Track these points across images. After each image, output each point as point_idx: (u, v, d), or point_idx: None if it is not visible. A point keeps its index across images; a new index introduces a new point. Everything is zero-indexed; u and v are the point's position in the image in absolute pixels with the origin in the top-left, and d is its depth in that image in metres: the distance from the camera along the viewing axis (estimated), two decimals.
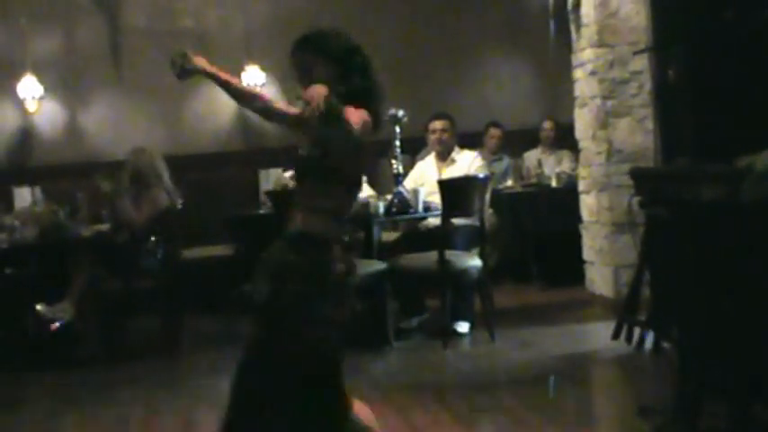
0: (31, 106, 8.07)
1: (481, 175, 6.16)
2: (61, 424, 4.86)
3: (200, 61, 3.38)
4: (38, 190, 7.16)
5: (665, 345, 5.03)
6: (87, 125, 8.20)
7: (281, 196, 6.47)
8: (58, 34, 8.20)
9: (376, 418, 4.37)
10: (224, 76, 3.37)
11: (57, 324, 5.92)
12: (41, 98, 8.07)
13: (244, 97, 3.44)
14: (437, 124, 6.52)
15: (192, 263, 6.92)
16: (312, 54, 3.31)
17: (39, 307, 5.93)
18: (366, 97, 3.18)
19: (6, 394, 5.59)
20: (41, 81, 8.00)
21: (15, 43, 7.97)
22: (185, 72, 3.37)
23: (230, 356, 6.04)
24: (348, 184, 3.18)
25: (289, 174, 6.24)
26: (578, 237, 6.99)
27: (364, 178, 4.32)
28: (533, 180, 8.14)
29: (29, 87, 8.00)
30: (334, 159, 3.08)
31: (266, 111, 3.44)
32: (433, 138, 6.55)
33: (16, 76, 7.96)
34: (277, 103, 3.43)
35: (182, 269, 6.48)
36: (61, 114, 8.16)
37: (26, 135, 8.06)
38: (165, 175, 6.42)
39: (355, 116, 3.04)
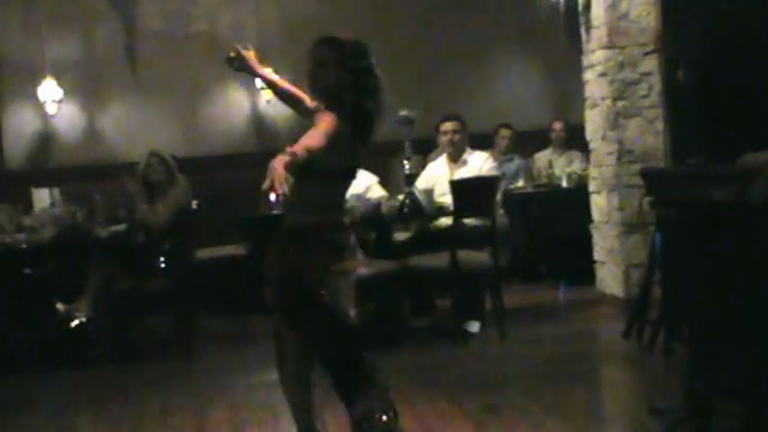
0: (51, 109, 8.15)
1: (492, 176, 6.20)
2: (77, 422, 4.91)
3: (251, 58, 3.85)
4: (56, 191, 7.23)
5: (676, 344, 5.05)
6: (105, 127, 8.29)
7: None
8: (77, 39, 8.29)
9: None
10: (269, 76, 3.85)
11: (75, 321, 6.00)
12: (61, 101, 8.16)
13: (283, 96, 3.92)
14: (448, 125, 6.55)
15: (206, 263, 6.97)
16: (333, 55, 3.46)
17: (56, 305, 6.01)
18: (364, 117, 3.38)
19: (23, 392, 5.66)
20: (61, 84, 8.08)
21: (36, 48, 8.06)
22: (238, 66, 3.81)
23: (243, 356, 6.19)
24: (334, 176, 3.41)
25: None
26: (589, 237, 7.03)
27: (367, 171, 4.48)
28: (544, 180, 8.17)
29: (49, 91, 8.08)
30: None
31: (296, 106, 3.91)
32: (444, 139, 6.58)
33: (37, 79, 8.05)
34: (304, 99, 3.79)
35: (196, 269, 6.54)
36: (80, 117, 8.25)
37: (46, 137, 8.15)
38: (179, 177, 6.49)
39: (322, 126, 3.30)
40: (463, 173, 6.39)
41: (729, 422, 3.77)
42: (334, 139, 3.26)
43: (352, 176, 3.55)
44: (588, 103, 6.93)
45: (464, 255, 5.90)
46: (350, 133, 3.35)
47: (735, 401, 3.81)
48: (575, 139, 7.94)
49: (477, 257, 5.99)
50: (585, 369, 5.28)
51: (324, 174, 3.36)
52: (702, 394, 3.85)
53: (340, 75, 3.40)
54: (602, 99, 6.64)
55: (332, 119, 3.32)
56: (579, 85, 7.07)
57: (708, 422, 3.78)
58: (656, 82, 6.47)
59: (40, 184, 7.31)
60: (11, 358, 6.15)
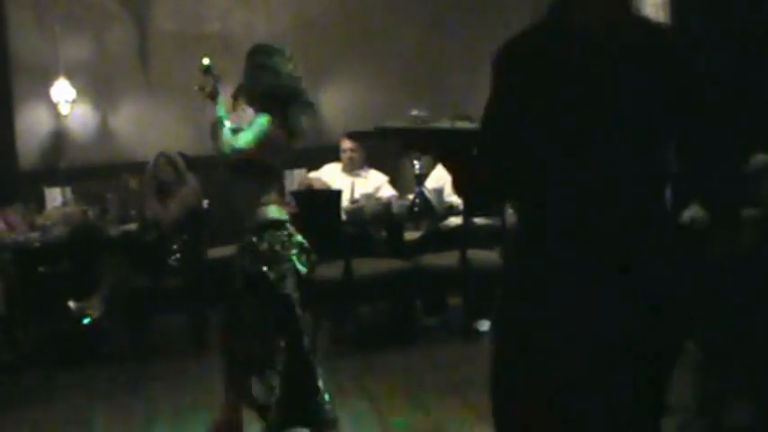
0: (64, 109, 8.20)
1: None
2: (91, 418, 4.95)
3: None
4: (68, 191, 7.28)
5: (687, 342, 5.05)
6: (117, 127, 8.33)
7: (305, 196, 6.57)
8: (90, 39, 8.33)
9: (399, 416, 4.49)
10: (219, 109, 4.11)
11: (88, 319, 6.05)
12: (73, 101, 8.20)
13: None
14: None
15: (218, 261, 7.01)
16: (262, 62, 4.00)
17: (69, 303, 6.06)
18: (292, 118, 3.91)
19: (37, 388, 5.70)
20: (74, 85, 8.13)
21: (49, 48, 8.11)
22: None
23: None
24: (275, 174, 3.92)
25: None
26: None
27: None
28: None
29: (62, 91, 8.12)
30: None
31: None
32: None
33: (49, 80, 8.09)
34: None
35: (207, 267, 6.58)
36: (92, 117, 8.29)
37: (58, 137, 8.19)
38: (189, 176, 6.53)
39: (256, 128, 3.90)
40: None
41: (741, 420, 3.78)
42: (268, 140, 3.77)
43: (274, 173, 4.02)
44: None
45: (474, 254, 5.93)
46: (282, 133, 3.85)
47: (746, 400, 3.82)
48: None
49: (488, 256, 6.02)
50: None
51: (263, 171, 3.84)
52: (714, 392, 3.86)
53: (269, 79, 3.90)
54: None
55: (265, 121, 3.82)
56: None
57: (719, 420, 3.79)
58: None
59: (52, 184, 7.37)
60: (24, 355, 6.20)
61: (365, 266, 5.94)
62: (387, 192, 6.81)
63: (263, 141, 3.80)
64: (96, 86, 8.20)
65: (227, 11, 8.50)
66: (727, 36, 5.94)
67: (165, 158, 6.45)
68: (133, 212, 6.83)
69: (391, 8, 8.53)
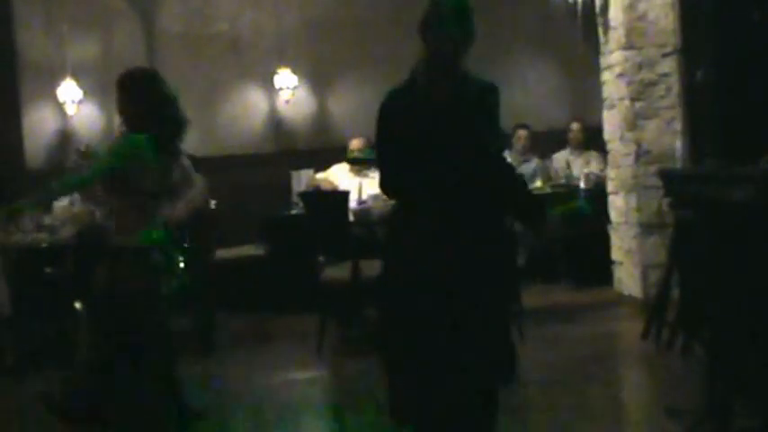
0: (71, 109, 8.21)
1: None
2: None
3: None
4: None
5: (695, 345, 5.04)
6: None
7: (312, 197, 6.56)
8: (97, 40, 8.35)
9: None
10: None
11: None
12: (80, 102, 8.22)
13: None
14: None
15: (225, 263, 7.01)
16: (132, 86, 3.97)
17: (76, 305, 6.04)
18: (164, 139, 3.90)
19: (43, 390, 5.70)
20: (80, 85, 8.14)
21: (56, 49, 8.13)
22: None
23: (262, 355, 6.22)
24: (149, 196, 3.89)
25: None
26: (607, 237, 7.02)
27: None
28: (562, 181, 8.16)
29: (68, 91, 8.14)
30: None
31: None
32: None
33: (56, 80, 8.11)
34: None
35: (214, 269, 6.57)
36: (99, 117, 8.30)
37: (65, 137, 8.20)
38: (196, 177, 6.51)
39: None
40: None
41: (748, 423, 3.77)
42: (140, 160, 3.77)
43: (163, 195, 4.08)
44: (606, 103, 6.93)
45: None
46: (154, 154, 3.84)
47: (754, 402, 3.80)
48: (592, 140, 7.94)
49: None
50: (604, 370, 5.28)
51: (138, 193, 3.83)
52: (721, 395, 3.85)
53: (140, 103, 3.89)
54: (620, 100, 6.64)
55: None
56: (597, 85, 7.07)
57: (727, 423, 3.78)
58: (674, 83, 6.47)
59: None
60: (31, 356, 6.19)
61: (372, 268, 5.92)
62: None
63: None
64: (103, 87, 8.20)
65: (234, 11, 8.51)
66: (734, 36, 5.92)
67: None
68: None
69: (399, 9, 8.51)
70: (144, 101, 3.90)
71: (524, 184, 3.94)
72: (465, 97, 3.24)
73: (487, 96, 3.30)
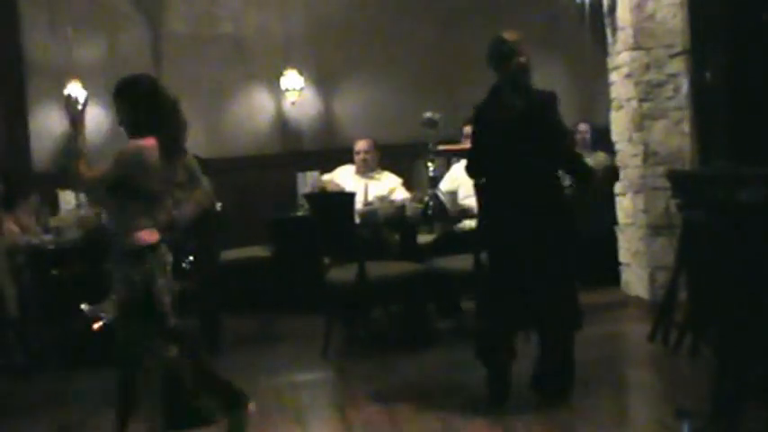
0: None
1: None
2: (105, 422, 4.94)
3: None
4: (82, 193, 7.28)
5: (703, 346, 5.02)
6: None
7: (318, 198, 6.55)
8: (103, 41, 8.35)
9: (411, 420, 4.46)
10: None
11: (100, 323, 6.03)
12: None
13: None
14: (468, 129, 6.54)
15: (231, 264, 7.01)
16: (132, 92, 4.03)
17: (82, 306, 6.04)
18: (167, 143, 3.94)
19: (51, 391, 5.71)
20: (86, 87, 8.14)
21: (62, 50, 8.13)
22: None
23: (269, 357, 6.21)
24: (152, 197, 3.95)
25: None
26: (614, 239, 6.99)
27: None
28: (568, 182, 8.12)
29: (74, 93, 8.14)
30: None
31: None
32: (465, 143, 6.58)
33: (63, 81, 8.11)
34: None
35: (220, 270, 6.56)
36: (105, 119, 8.30)
37: (71, 139, 8.20)
38: (202, 178, 6.50)
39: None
40: None
41: (757, 425, 3.75)
42: (144, 165, 3.84)
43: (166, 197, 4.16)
44: (614, 104, 6.91)
45: None
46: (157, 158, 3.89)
47: (762, 404, 3.78)
48: (600, 141, 7.91)
49: None
50: (612, 372, 5.27)
51: (141, 195, 3.89)
52: (730, 396, 3.84)
53: (140, 110, 3.94)
54: (628, 100, 6.62)
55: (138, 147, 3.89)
56: (605, 86, 7.05)
57: (735, 425, 3.76)
58: (683, 83, 6.45)
59: (65, 186, 7.36)
60: (37, 358, 6.20)
61: (378, 269, 5.91)
62: (400, 194, 6.79)
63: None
64: (109, 88, 8.10)
65: (240, 12, 8.50)
66: (742, 37, 5.90)
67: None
68: None
69: (406, 9, 8.51)
70: (143, 107, 3.94)
71: (581, 157, 5.08)
72: (533, 105, 4.46)
73: (549, 102, 4.52)
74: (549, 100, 4.52)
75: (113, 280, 4.00)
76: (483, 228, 4.88)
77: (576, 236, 4.59)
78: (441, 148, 6.25)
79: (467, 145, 4.94)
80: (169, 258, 4.08)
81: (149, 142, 3.89)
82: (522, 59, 4.51)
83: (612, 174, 5.15)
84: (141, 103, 3.95)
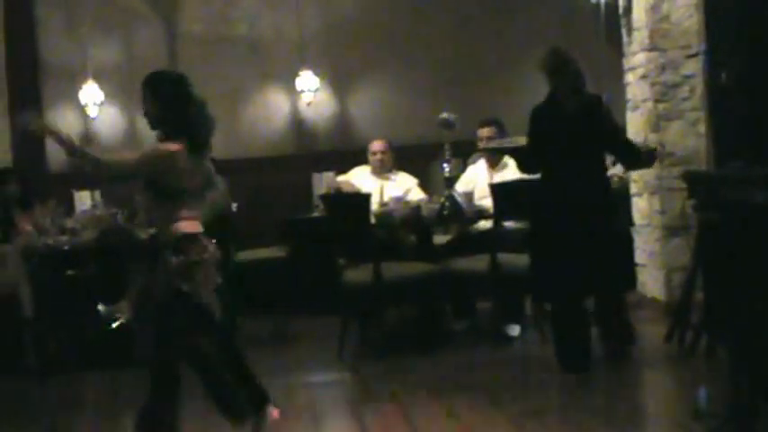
0: (93, 112, 8.25)
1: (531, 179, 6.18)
2: (119, 423, 4.96)
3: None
4: (98, 194, 7.32)
5: (719, 347, 5.01)
6: (145, 130, 8.25)
7: (333, 199, 6.56)
8: (119, 42, 8.39)
9: (427, 421, 4.47)
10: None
11: (117, 323, 6.07)
12: (102, 104, 8.26)
13: None
14: (484, 132, 6.54)
15: (247, 265, 7.02)
16: (158, 89, 4.01)
17: (98, 307, 6.07)
18: (196, 139, 3.93)
19: (67, 392, 5.73)
20: (102, 87, 8.18)
21: (78, 51, 8.18)
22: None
23: (283, 357, 6.22)
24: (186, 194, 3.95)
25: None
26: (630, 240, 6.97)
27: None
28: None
29: (90, 94, 8.18)
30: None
31: None
32: (481, 145, 6.58)
33: (78, 82, 8.16)
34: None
35: (236, 271, 6.57)
36: (121, 120, 8.35)
37: (87, 140, 8.24)
38: (217, 179, 6.52)
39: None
40: (503, 176, 6.38)
41: None
42: (176, 170, 3.85)
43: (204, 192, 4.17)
44: (629, 105, 6.89)
45: (504, 258, 5.89)
46: (187, 154, 3.88)
47: None
48: None
49: (518, 260, 5.97)
50: (627, 372, 5.25)
51: (176, 193, 3.89)
52: (746, 398, 3.83)
53: (167, 105, 3.92)
54: (644, 101, 6.60)
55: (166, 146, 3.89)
56: (620, 87, 7.03)
57: (751, 426, 3.75)
58: (698, 84, 6.42)
59: (81, 187, 7.40)
60: (53, 359, 6.22)
61: (394, 270, 5.92)
62: (416, 195, 6.79)
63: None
64: (124, 89, 8.25)
65: (255, 14, 8.53)
66: (758, 37, 5.87)
67: None
68: None
69: (420, 11, 8.51)
70: (172, 103, 3.90)
71: (632, 143, 5.67)
72: (584, 108, 5.17)
73: (597, 104, 5.28)
74: (598, 101, 5.30)
75: (130, 281, 4.01)
76: (538, 213, 5.38)
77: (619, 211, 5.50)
78: (491, 146, 6.27)
79: (521, 142, 5.45)
80: (215, 251, 4.06)
81: (178, 146, 3.87)
82: (578, 66, 5.23)
83: (652, 156, 5.67)
84: (170, 98, 3.93)
